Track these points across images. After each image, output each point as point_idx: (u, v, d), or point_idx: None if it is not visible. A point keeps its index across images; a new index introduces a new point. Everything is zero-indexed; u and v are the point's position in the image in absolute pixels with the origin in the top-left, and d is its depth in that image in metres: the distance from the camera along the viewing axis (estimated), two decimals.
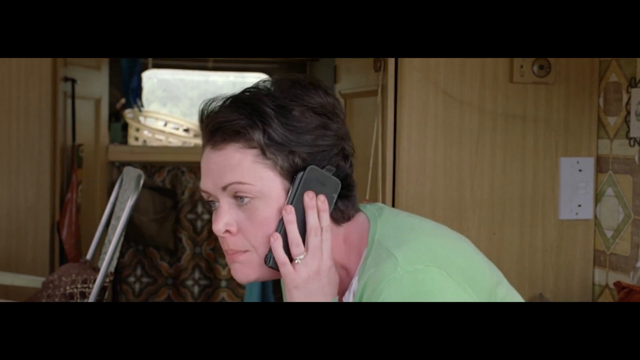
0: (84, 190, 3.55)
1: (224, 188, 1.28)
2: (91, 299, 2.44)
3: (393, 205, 2.49)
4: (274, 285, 4.11)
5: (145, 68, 4.70)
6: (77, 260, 3.01)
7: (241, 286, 4.43)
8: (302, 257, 1.27)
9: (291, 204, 1.26)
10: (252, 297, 4.03)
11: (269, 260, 1.28)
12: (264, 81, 1.32)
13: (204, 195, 1.32)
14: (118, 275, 4.32)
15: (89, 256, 2.79)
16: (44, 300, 2.52)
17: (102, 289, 2.46)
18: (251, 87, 1.31)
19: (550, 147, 2.57)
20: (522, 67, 2.52)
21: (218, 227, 1.28)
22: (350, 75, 2.93)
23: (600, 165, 2.58)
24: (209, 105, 1.30)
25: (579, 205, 2.58)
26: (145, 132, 4.51)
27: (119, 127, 4.49)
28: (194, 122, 4.83)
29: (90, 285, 2.50)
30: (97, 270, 2.56)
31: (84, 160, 3.54)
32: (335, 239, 1.31)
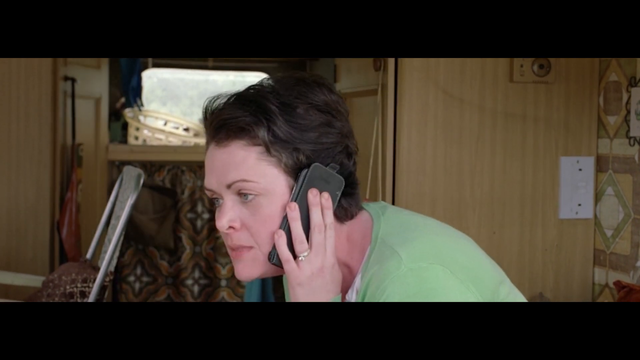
0: (84, 189, 3.55)
1: (229, 186, 1.28)
2: (91, 298, 2.44)
3: (393, 205, 2.49)
4: (274, 284, 4.12)
5: (145, 67, 4.69)
6: (77, 260, 3.01)
7: (241, 285, 4.43)
8: (305, 254, 1.27)
9: (295, 201, 1.27)
10: (252, 296, 4.03)
11: (273, 257, 1.28)
12: (268, 79, 1.32)
13: (208, 194, 1.32)
14: (118, 275, 4.32)
15: (88, 255, 2.79)
16: (44, 300, 2.52)
17: (102, 288, 2.46)
18: (255, 85, 1.31)
19: (550, 147, 2.57)
20: (522, 66, 2.52)
21: (221, 223, 1.29)
22: (350, 75, 2.93)
23: (600, 165, 2.58)
24: (213, 102, 1.30)
25: (579, 205, 2.58)
26: (145, 132, 4.51)
27: (119, 126, 4.49)
28: (193, 121, 4.83)
29: (90, 285, 2.50)
30: (97, 269, 2.56)
31: (83, 160, 3.54)
32: (338, 237, 1.31)
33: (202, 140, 4.56)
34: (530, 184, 2.56)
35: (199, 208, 4.43)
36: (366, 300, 1.25)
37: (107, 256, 2.47)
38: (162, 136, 4.56)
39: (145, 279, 4.41)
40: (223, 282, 4.46)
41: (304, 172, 1.27)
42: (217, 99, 1.30)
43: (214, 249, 4.44)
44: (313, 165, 1.27)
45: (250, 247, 1.29)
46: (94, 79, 3.84)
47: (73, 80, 3.39)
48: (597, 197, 2.59)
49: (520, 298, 1.35)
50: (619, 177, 2.50)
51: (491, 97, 2.53)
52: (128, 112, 4.50)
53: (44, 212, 3.15)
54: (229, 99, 1.29)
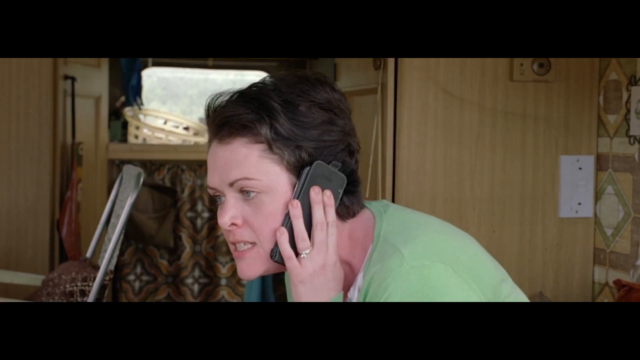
0: (84, 188, 3.55)
1: (231, 184, 1.28)
2: (91, 297, 2.44)
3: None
4: (274, 284, 4.12)
5: (145, 66, 4.69)
6: (77, 259, 3.01)
7: (241, 284, 4.43)
8: (307, 251, 1.28)
9: (297, 198, 1.27)
10: (252, 295, 4.03)
11: (275, 254, 1.28)
12: (271, 76, 1.32)
13: (210, 192, 1.32)
14: (118, 273, 4.32)
15: (88, 254, 2.80)
16: (43, 299, 2.52)
17: (102, 287, 2.47)
18: (258, 83, 1.31)
19: (550, 145, 2.57)
20: (522, 65, 2.52)
21: (224, 220, 1.29)
22: (350, 73, 2.93)
23: (600, 164, 2.58)
24: (216, 100, 1.30)
25: (579, 204, 2.58)
26: (145, 130, 4.51)
27: (119, 125, 4.48)
28: (193, 120, 4.82)
29: (90, 283, 2.50)
30: (97, 268, 2.56)
31: (83, 159, 3.54)
32: (340, 235, 1.32)
33: (202, 139, 4.56)
34: (530, 183, 2.56)
35: (199, 207, 4.43)
36: (368, 298, 1.25)
37: (107, 255, 2.47)
38: (162, 135, 4.56)
39: (145, 277, 4.41)
40: (223, 281, 4.46)
41: (306, 169, 1.28)
42: (219, 96, 1.30)
43: (214, 248, 4.44)
44: (315, 163, 1.27)
45: (253, 244, 1.30)
46: (93, 78, 3.84)
47: (73, 79, 3.38)
48: (597, 196, 2.59)
49: (522, 296, 1.35)
50: (619, 176, 2.50)
51: (491, 96, 2.53)
52: (128, 111, 4.50)
53: (43, 211, 3.16)
54: (231, 97, 1.30)
